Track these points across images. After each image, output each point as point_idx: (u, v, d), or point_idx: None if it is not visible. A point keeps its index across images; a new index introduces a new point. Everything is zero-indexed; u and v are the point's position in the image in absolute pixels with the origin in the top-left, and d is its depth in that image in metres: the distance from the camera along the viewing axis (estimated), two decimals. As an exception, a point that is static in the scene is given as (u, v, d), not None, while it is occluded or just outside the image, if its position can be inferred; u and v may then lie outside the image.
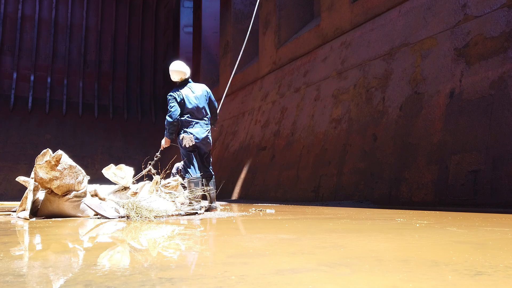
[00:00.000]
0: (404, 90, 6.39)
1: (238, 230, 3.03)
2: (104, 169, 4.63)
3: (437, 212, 4.42)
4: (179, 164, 11.54)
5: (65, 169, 3.70)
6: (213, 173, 4.93)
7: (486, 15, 5.42)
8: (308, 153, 8.24)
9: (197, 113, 4.68)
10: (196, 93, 4.75)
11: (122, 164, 4.77)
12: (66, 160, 3.74)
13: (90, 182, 4.18)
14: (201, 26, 17.47)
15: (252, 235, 2.63)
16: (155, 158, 4.99)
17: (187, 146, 4.58)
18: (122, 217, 3.74)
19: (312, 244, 1.96)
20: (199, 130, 4.67)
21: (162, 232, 2.77)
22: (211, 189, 4.82)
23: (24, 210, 3.82)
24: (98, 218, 3.79)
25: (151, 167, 4.87)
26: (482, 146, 4.86)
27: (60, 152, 3.68)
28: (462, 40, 5.66)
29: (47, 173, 3.65)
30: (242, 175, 10.75)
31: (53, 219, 3.72)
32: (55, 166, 3.64)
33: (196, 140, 4.63)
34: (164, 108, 21.40)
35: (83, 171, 3.96)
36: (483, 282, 1.17)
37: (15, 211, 4.25)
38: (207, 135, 4.73)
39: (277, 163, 9.23)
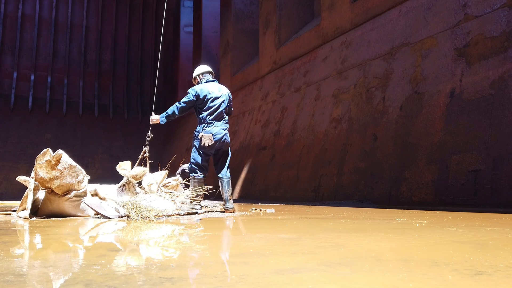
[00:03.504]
0: (404, 89, 6.39)
1: (238, 229, 3.04)
2: (119, 165, 4.61)
3: (437, 212, 4.42)
4: (186, 166, 11.51)
5: (65, 168, 3.70)
6: (228, 172, 4.80)
7: (487, 15, 5.42)
8: (308, 153, 8.24)
9: (217, 113, 4.65)
10: (221, 93, 4.73)
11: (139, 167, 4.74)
12: (66, 159, 3.74)
13: (90, 181, 4.18)
14: (201, 26, 17.48)
15: (252, 235, 2.63)
16: (147, 139, 4.98)
17: (206, 145, 4.55)
18: (122, 216, 3.74)
19: (312, 244, 1.96)
20: (218, 130, 4.61)
21: (162, 232, 2.77)
22: (224, 188, 4.71)
23: (25, 209, 3.82)
24: (98, 217, 3.79)
25: (146, 148, 4.88)
26: (482, 146, 4.86)
27: (60, 151, 3.68)
28: (463, 40, 5.66)
29: (47, 173, 3.65)
30: (242, 175, 10.75)
31: (53, 218, 3.72)
32: (55, 165, 3.64)
33: (215, 139, 4.58)
34: (164, 108, 21.39)
35: (83, 170, 3.96)
36: (483, 282, 1.17)
37: (15, 211, 4.25)
38: (224, 134, 4.67)
39: (277, 163, 9.23)
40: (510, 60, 4.91)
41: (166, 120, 4.79)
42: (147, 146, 4.97)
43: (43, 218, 3.75)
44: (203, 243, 2.17)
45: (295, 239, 2.18)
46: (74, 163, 3.82)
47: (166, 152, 18.85)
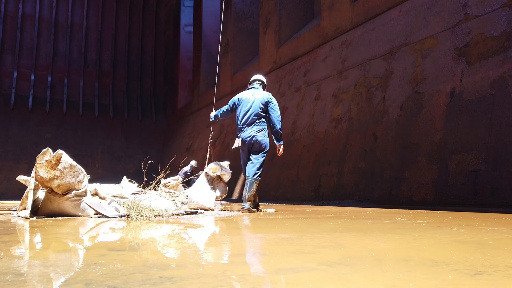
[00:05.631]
0: (404, 89, 6.38)
1: (238, 229, 3.04)
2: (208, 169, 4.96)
3: (438, 211, 4.42)
4: (187, 168, 11.58)
5: (65, 168, 3.70)
6: (254, 173, 4.73)
7: (487, 15, 5.42)
8: (309, 152, 8.24)
9: (246, 118, 4.77)
10: (253, 98, 4.82)
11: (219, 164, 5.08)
12: (66, 159, 3.74)
13: (90, 181, 4.18)
14: (201, 25, 17.47)
15: (252, 234, 2.63)
16: (211, 132, 5.46)
17: (236, 147, 4.83)
18: (122, 216, 3.74)
19: (312, 244, 1.96)
20: (247, 134, 4.74)
21: (162, 231, 2.77)
22: (245, 188, 4.74)
23: (25, 209, 3.82)
24: (98, 217, 3.79)
25: (211, 141, 5.25)
26: (483, 146, 4.86)
27: (60, 151, 3.68)
28: (463, 40, 5.66)
29: (47, 172, 3.65)
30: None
31: (53, 218, 3.72)
32: (55, 165, 3.64)
33: (244, 141, 4.75)
34: (164, 108, 21.40)
35: (83, 170, 3.96)
36: (483, 282, 1.17)
37: (15, 210, 4.25)
38: (251, 136, 4.70)
39: (277, 162, 9.23)
40: (510, 60, 4.90)
41: (214, 119, 5.25)
42: (211, 139, 5.39)
43: (43, 217, 3.75)
44: (203, 243, 2.17)
45: (295, 238, 2.18)
46: (74, 163, 3.82)
47: (166, 152, 18.86)
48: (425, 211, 4.52)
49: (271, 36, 11.50)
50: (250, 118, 4.74)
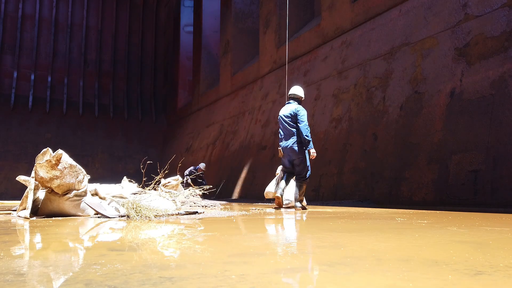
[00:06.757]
0: (404, 89, 6.38)
1: (238, 229, 3.04)
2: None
3: (438, 211, 4.42)
4: (192, 168, 11.70)
5: (65, 168, 3.70)
6: (302, 177, 5.43)
7: (487, 15, 5.42)
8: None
9: (283, 131, 5.53)
10: (287, 112, 5.48)
11: None
12: (66, 159, 3.74)
13: (90, 181, 4.18)
14: (201, 25, 17.46)
15: (252, 235, 2.63)
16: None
17: (280, 155, 5.60)
18: (122, 216, 3.74)
19: (312, 244, 1.96)
20: (285, 144, 5.49)
21: (162, 231, 2.77)
22: (296, 190, 5.45)
23: (25, 209, 3.82)
24: (98, 217, 3.79)
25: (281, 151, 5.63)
26: (483, 146, 4.86)
27: (60, 151, 3.68)
28: (463, 40, 5.66)
29: (47, 172, 3.65)
30: (243, 175, 10.75)
31: (53, 218, 3.72)
32: (55, 165, 3.64)
33: (284, 151, 5.47)
34: (164, 108, 21.40)
35: (83, 170, 3.96)
36: (483, 282, 1.17)
37: (15, 210, 4.25)
38: (287, 146, 5.43)
39: (278, 162, 9.22)
40: (510, 60, 4.90)
41: None
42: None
43: (43, 217, 3.75)
44: (203, 243, 2.17)
45: (295, 238, 2.18)
46: (74, 163, 3.82)
47: (166, 152, 18.86)
48: (425, 211, 4.52)
49: (271, 36, 11.49)
50: (285, 130, 5.49)
